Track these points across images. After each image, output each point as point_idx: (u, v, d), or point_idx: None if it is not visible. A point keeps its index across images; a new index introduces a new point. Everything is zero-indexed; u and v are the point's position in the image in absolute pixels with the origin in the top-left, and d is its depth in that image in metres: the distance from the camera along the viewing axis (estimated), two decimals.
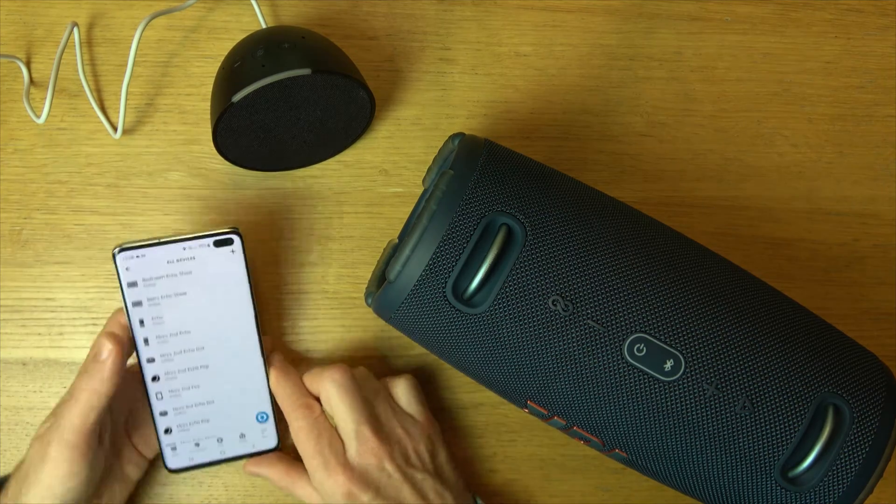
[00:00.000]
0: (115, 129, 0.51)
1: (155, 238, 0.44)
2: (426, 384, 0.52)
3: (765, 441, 0.41)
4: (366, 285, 0.49)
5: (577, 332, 0.41)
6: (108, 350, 0.43)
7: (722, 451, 0.41)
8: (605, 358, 0.41)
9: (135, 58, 0.49)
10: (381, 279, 0.46)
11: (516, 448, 0.52)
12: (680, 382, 0.41)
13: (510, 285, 0.41)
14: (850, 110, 0.56)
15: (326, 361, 0.52)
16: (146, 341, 0.45)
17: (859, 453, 0.41)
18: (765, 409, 0.41)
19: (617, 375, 0.41)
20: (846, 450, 0.41)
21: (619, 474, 0.52)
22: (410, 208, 0.51)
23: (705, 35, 0.56)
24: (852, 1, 0.57)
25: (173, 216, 0.52)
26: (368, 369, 0.49)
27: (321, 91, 0.47)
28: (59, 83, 0.53)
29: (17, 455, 0.50)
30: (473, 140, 0.45)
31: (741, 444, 0.41)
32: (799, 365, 0.41)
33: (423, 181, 0.48)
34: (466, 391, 0.52)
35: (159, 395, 0.46)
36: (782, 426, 0.41)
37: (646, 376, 0.41)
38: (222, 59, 0.48)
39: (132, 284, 0.44)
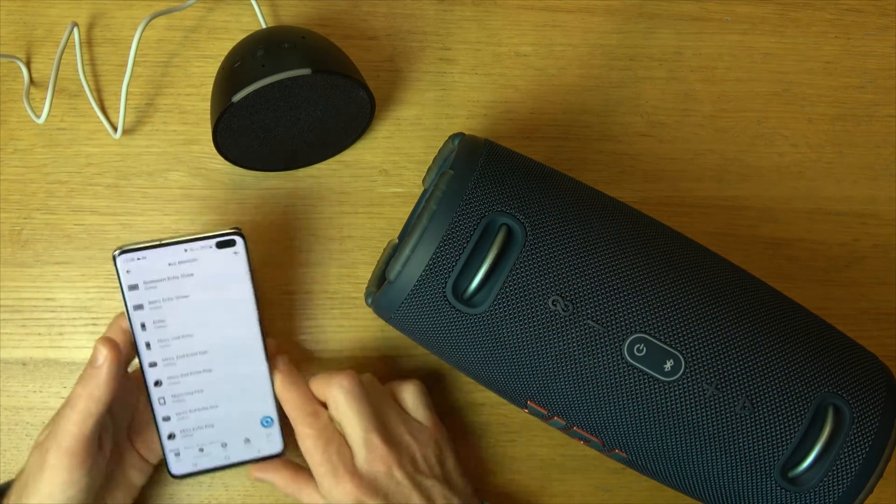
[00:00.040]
0: (115, 129, 0.51)
1: (156, 240, 0.43)
2: (428, 386, 0.52)
3: (765, 441, 0.41)
4: (366, 285, 0.49)
5: (577, 332, 0.41)
6: (103, 356, 0.43)
7: (722, 451, 0.41)
8: (605, 358, 0.41)
9: (135, 58, 0.49)
10: (381, 279, 0.46)
11: (516, 448, 0.52)
12: (680, 382, 0.41)
13: (510, 285, 0.41)
14: (850, 110, 0.56)
15: (327, 361, 0.52)
16: (148, 345, 0.44)
17: (859, 453, 0.41)
18: (765, 409, 0.41)
19: (617, 375, 0.41)
20: (846, 450, 0.41)
21: (619, 474, 0.52)
22: (410, 208, 0.51)
23: (705, 35, 0.56)
24: (852, 1, 0.57)
25: (173, 216, 0.52)
26: (365, 367, 0.49)
27: (321, 91, 0.47)
28: (59, 83, 0.53)
29: (17, 455, 0.50)
30: (473, 140, 0.45)
31: (741, 445, 0.41)
32: (799, 365, 0.41)
33: (423, 181, 0.48)
34: (466, 391, 0.52)
35: (162, 400, 0.45)
36: (782, 426, 0.41)
37: (646, 376, 0.41)
38: (222, 59, 0.48)
39: (133, 287, 0.43)
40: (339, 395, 0.44)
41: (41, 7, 0.54)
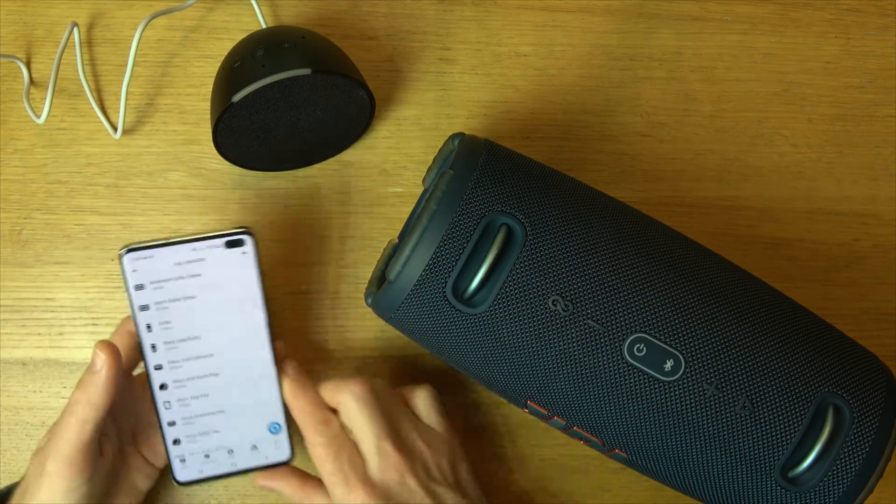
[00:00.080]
0: (115, 129, 0.51)
1: (163, 238, 0.42)
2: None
3: (765, 441, 0.41)
4: (366, 285, 0.49)
5: (577, 332, 0.41)
6: (102, 360, 0.41)
7: (722, 451, 0.41)
8: (605, 358, 0.41)
9: (135, 58, 0.49)
10: (381, 279, 0.46)
11: (516, 448, 0.52)
12: (680, 382, 0.41)
13: (510, 285, 0.41)
14: (850, 110, 0.56)
15: (327, 362, 0.52)
16: (153, 347, 0.43)
17: (859, 453, 0.41)
18: (765, 409, 0.41)
19: (617, 375, 0.41)
20: (846, 450, 0.41)
21: (619, 474, 0.52)
22: (410, 208, 0.51)
23: (705, 35, 0.56)
24: (852, 1, 0.57)
25: (173, 216, 0.52)
26: (365, 368, 0.49)
27: (321, 91, 0.47)
28: (59, 83, 0.53)
29: (17, 455, 0.50)
30: (473, 140, 0.45)
31: (741, 444, 0.41)
32: (799, 365, 0.41)
33: (423, 181, 0.48)
34: (466, 391, 0.52)
35: (167, 404, 0.44)
36: (782, 426, 0.41)
37: (646, 376, 0.41)
38: (222, 59, 0.48)
39: (139, 287, 0.42)
40: (350, 401, 0.43)
41: (41, 7, 0.54)
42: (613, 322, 0.41)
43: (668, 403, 0.41)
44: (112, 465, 0.44)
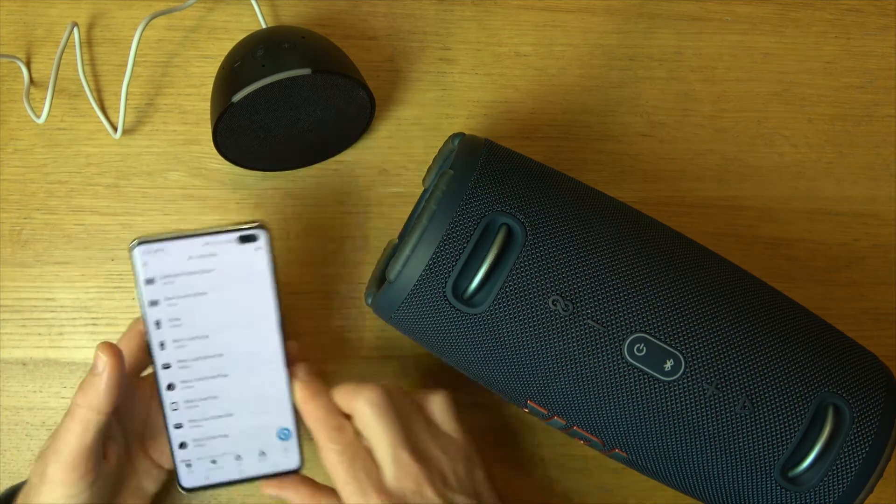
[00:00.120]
0: (115, 129, 0.51)
1: (175, 231, 0.41)
2: (427, 386, 0.52)
3: (765, 441, 0.41)
4: (366, 285, 0.49)
5: (577, 332, 0.41)
6: (103, 363, 0.40)
7: (722, 450, 0.41)
8: (605, 358, 0.41)
9: (135, 58, 0.49)
10: (381, 279, 0.46)
11: (516, 448, 0.52)
12: (680, 382, 0.41)
13: (510, 285, 0.41)
14: (850, 110, 0.56)
15: (327, 362, 0.52)
16: (162, 345, 0.42)
17: (859, 453, 0.41)
18: (765, 409, 0.41)
19: (617, 375, 0.41)
20: (846, 450, 0.41)
21: (619, 474, 0.52)
22: (410, 208, 0.51)
23: (705, 35, 0.56)
24: (852, 1, 0.57)
25: (173, 216, 0.52)
26: (365, 367, 0.49)
27: (321, 91, 0.47)
28: (59, 83, 0.53)
29: (17, 455, 0.50)
30: (473, 140, 0.45)
31: (741, 444, 0.41)
32: (799, 365, 0.41)
33: (423, 181, 0.48)
34: (466, 391, 0.52)
35: (174, 406, 0.43)
36: (782, 426, 0.41)
37: (646, 376, 0.41)
38: (222, 59, 0.48)
39: (150, 282, 0.41)
40: (366, 408, 0.42)
41: (41, 7, 0.54)
42: (613, 322, 0.41)
43: (668, 403, 0.41)
44: (117, 468, 0.43)
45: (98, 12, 0.54)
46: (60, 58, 0.51)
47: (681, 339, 0.41)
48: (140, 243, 0.40)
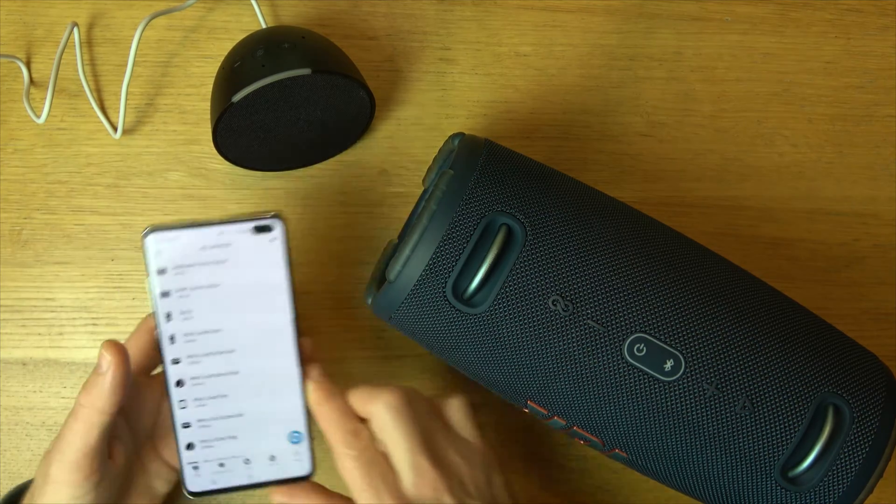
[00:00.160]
0: (115, 129, 0.51)
1: (189, 220, 0.39)
2: (428, 386, 0.52)
3: (765, 441, 0.41)
4: (366, 285, 0.49)
5: (577, 332, 0.41)
6: (108, 362, 0.39)
7: (722, 451, 0.41)
8: (605, 358, 0.41)
9: (135, 58, 0.49)
10: (381, 279, 0.46)
11: (517, 448, 0.52)
12: (680, 382, 0.41)
13: (510, 285, 0.41)
14: (850, 110, 0.56)
15: (327, 362, 0.52)
16: (172, 339, 0.40)
17: (859, 453, 0.41)
18: (765, 409, 0.41)
19: (617, 375, 0.41)
20: (846, 450, 0.41)
21: (619, 474, 0.52)
22: (410, 208, 0.51)
23: (705, 35, 0.56)
24: (852, 1, 0.57)
25: (173, 216, 0.52)
26: (365, 368, 0.49)
27: (321, 91, 0.47)
28: (59, 83, 0.53)
29: (17, 455, 0.50)
30: (473, 140, 0.45)
31: (741, 444, 0.41)
32: (799, 365, 0.41)
33: (423, 181, 0.48)
34: (466, 391, 0.52)
35: (183, 403, 0.41)
36: (782, 426, 0.41)
37: (646, 376, 0.41)
38: (222, 59, 0.48)
39: (162, 271, 0.39)
40: (384, 413, 0.40)
41: (41, 7, 0.54)
42: (613, 322, 0.41)
43: (668, 403, 0.41)
44: (124, 468, 0.42)
45: (98, 12, 0.54)
46: (60, 58, 0.51)
47: (681, 339, 0.41)
48: (153, 231, 0.39)
